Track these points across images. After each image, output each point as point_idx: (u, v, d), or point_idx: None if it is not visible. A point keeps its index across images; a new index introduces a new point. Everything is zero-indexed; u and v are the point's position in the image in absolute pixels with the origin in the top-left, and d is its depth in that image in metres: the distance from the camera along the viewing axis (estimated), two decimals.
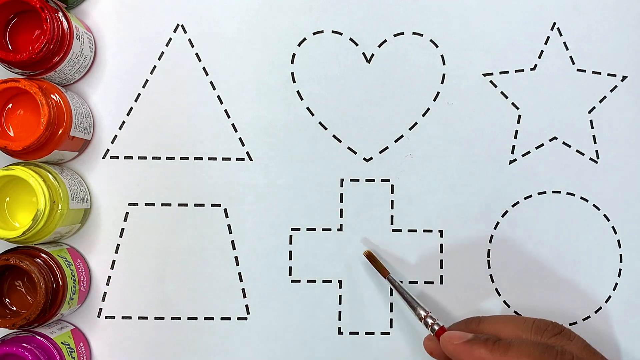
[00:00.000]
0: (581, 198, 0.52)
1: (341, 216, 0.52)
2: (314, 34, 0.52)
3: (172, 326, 0.51)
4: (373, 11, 0.52)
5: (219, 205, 0.51)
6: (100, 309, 0.51)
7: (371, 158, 0.52)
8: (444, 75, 0.52)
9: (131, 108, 0.51)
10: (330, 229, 0.52)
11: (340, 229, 0.52)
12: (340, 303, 0.52)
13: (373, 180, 0.52)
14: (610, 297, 0.52)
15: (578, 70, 0.53)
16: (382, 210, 0.52)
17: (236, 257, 0.51)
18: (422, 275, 0.52)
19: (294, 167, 0.52)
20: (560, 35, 0.52)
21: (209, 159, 0.52)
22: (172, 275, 0.51)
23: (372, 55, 0.52)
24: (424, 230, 0.52)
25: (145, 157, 0.51)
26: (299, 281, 0.51)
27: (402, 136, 0.52)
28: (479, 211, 0.52)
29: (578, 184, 0.52)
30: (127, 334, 0.51)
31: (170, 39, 0.52)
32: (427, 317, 0.48)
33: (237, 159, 0.52)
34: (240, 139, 0.52)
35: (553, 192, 0.52)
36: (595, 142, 0.52)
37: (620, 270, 0.52)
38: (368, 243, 0.52)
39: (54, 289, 0.46)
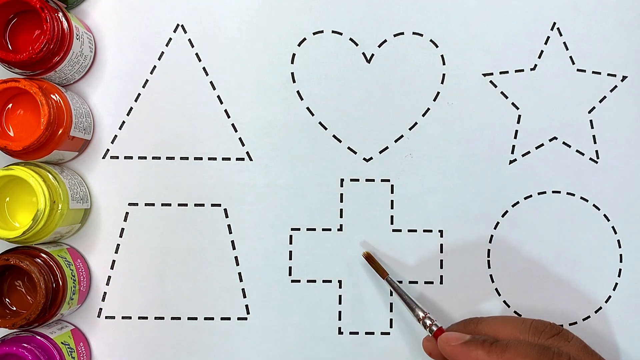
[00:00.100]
0: (581, 198, 0.52)
1: (341, 216, 0.52)
2: (314, 34, 0.52)
3: (172, 326, 0.51)
4: (373, 11, 0.52)
5: (219, 205, 0.51)
6: (100, 309, 0.51)
7: (371, 158, 0.52)
8: (444, 75, 0.52)
9: (131, 108, 0.51)
10: (330, 229, 0.52)
11: (340, 229, 0.52)
12: (340, 303, 0.52)
13: (373, 180, 0.52)
14: (610, 297, 0.52)
15: (578, 70, 0.53)
16: (382, 210, 0.52)
17: (236, 257, 0.51)
18: (422, 275, 0.52)
19: (294, 167, 0.52)
20: (560, 35, 0.52)
21: (209, 159, 0.52)
22: (172, 275, 0.51)
23: (372, 55, 0.52)
24: (424, 230, 0.52)
25: (145, 157, 0.51)
26: (299, 281, 0.51)
27: (402, 136, 0.52)
28: (479, 211, 0.52)
29: (578, 184, 0.52)
30: (127, 334, 0.51)
31: (170, 39, 0.52)
32: (426, 317, 0.48)
33: (237, 159, 0.52)
34: (240, 139, 0.52)
35: (553, 192, 0.52)
36: (595, 142, 0.52)
37: (620, 270, 0.52)
38: (367, 244, 0.52)
39: (54, 289, 0.46)
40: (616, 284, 0.52)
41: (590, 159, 0.52)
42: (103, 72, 0.51)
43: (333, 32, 0.52)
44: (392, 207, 0.52)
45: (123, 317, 0.51)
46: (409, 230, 0.52)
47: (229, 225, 0.51)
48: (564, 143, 0.52)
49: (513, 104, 0.52)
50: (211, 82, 0.52)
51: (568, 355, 0.43)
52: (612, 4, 0.53)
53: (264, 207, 0.52)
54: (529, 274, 0.52)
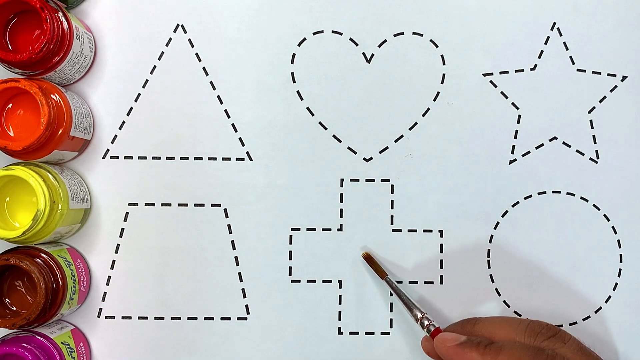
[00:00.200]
0: (581, 198, 0.52)
1: (341, 216, 0.52)
2: (314, 34, 0.52)
3: (172, 326, 0.51)
4: (373, 11, 0.52)
5: (219, 205, 0.51)
6: (100, 309, 0.51)
7: (371, 158, 0.52)
8: (444, 75, 0.52)
9: (131, 108, 0.51)
10: (330, 229, 0.52)
11: (340, 229, 0.52)
12: (340, 303, 0.52)
13: (373, 180, 0.52)
14: (610, 297, 0.52)
15: (578, 70, 0.53)
16: (382, 210, 0.52)
17: (236, 257, 0.51)
18: (422, 275, 0.52)
19: (294, 167, 0.52)
20: (560, 35, 0.52)
21: (209, 159, 0.52)
22: (172, 275, 0.51)
23: (372, 55, 0.52)
24: (424, 230, 0.52)
25: (145, 157, 0.51)
26: (299, 281, 0.51)
27: (402, 136, 0.52)
28: (479, 211, 0.52)
29: (578, 184, 0.52)
30: (127, 334, 0.51)
31: (170, 39, 0.52)
32: (424, 318, 0.48)
33: (237, 159, 0.52)
34: (240, 139, 0.52)
35: (553, 192, 0.52)
36: (595, 142, 0.52)
37: (620, 270, 0.52)
38: (366, 245, 0.52)
39: (54, 289, 0.46)
40: (616, 284, 0.52)
41: (590, 159, 0.52)
42: (103, 72, 0.51)
43: (333, 32, 0.52)
44: (392, 207, 0.52)
45: (123, 317, 0.51)
46: (409, 230, 0.52)
47: (229, 225, 0.51)
48: (564, 143, 0.52)
49: (513, 104, 0.52)
50: (211, 82, 0.52)
51: (562, 357, 0.43)
52: (612, 4, 0.53)
53: (264, 207, 0.52)
54: (529, 274, 0.52)
